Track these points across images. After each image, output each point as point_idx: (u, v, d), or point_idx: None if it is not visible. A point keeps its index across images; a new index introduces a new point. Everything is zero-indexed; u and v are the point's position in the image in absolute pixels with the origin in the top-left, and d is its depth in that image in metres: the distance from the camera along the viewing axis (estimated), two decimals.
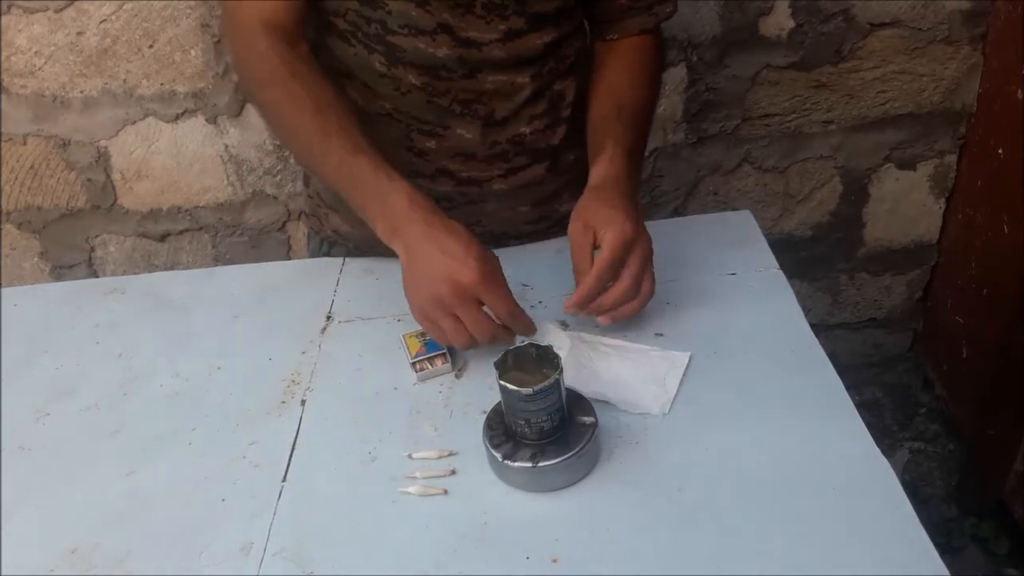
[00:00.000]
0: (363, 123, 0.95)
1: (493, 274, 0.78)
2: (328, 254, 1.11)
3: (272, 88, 0.86)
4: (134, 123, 1.57)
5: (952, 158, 1.72)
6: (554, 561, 0.66)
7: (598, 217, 0.81)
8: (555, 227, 1.02)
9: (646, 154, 1.64)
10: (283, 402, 0.85)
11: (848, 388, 0.78)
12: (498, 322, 0.80)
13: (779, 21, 1.53)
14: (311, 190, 1.11)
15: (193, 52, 1.49)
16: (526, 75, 0.92)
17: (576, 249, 0.83)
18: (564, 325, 0.89)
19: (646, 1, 0.95)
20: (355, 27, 0.89)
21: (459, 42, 0.87)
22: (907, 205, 1.79)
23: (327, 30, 0.92)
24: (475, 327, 0.78)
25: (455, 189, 0.99)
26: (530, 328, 0.82)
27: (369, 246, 1.07)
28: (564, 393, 0.71)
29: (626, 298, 0.82)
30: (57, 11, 1.44)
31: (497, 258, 0.80)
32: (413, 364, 0.85)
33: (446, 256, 0.77)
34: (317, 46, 0.95)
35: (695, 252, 0.98)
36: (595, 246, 0.81)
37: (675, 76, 1.57)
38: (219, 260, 1.75)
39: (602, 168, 0.86)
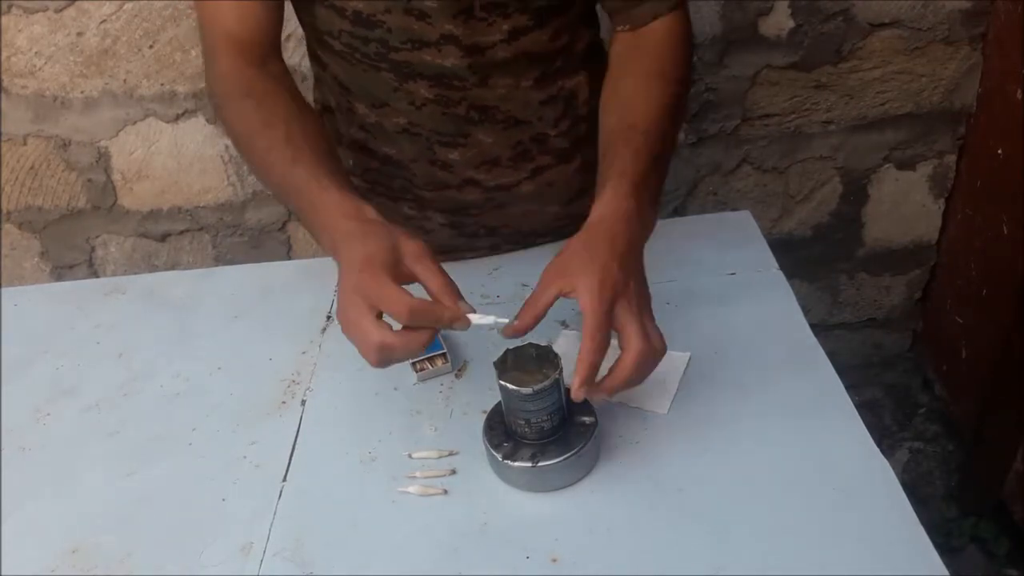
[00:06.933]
0: (378, 138, 0.91)
1: (368, 278, 0.66)
2: None
3: (228, 108, 0.84)
4: (134, 123, 1.57)
5: (951, 158, 1.72)
6: (554, 561, 0.66)
7: (573, 268, 0.70)
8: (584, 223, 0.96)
9: None
10: (283, 402, 0.85)
11: (848, 388, 0.78)
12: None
13: (779, 21, 1.53)
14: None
15: (193, 52, 1.49)
16: (532, 76, 0.89)
17: (535, 296, 0.71)
18: (564, 324, 0.89)
19: None
20: (351, 48, 0.86)
21: (465, 50, 0.84)
22: (906, 205, 1.79)
23: (325, 49, 0.90)
24: (363, 341, 0.66)
25: (483, 196, 0.97)
26: (444, 318, 0.67)
27: None
28: (564, 393, 0.71)
29: (630, 369, 0.68)
30: (57, 11, 1.44)
31: (392, 248, 0.68)
32: (413, 364, 0.85)
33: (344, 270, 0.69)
34: (323, 64, 0.93)
35: (695, 252, 0.98)
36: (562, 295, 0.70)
37: None
38: (219, 260, 1.75)
39: (602, 204, 0.74)
